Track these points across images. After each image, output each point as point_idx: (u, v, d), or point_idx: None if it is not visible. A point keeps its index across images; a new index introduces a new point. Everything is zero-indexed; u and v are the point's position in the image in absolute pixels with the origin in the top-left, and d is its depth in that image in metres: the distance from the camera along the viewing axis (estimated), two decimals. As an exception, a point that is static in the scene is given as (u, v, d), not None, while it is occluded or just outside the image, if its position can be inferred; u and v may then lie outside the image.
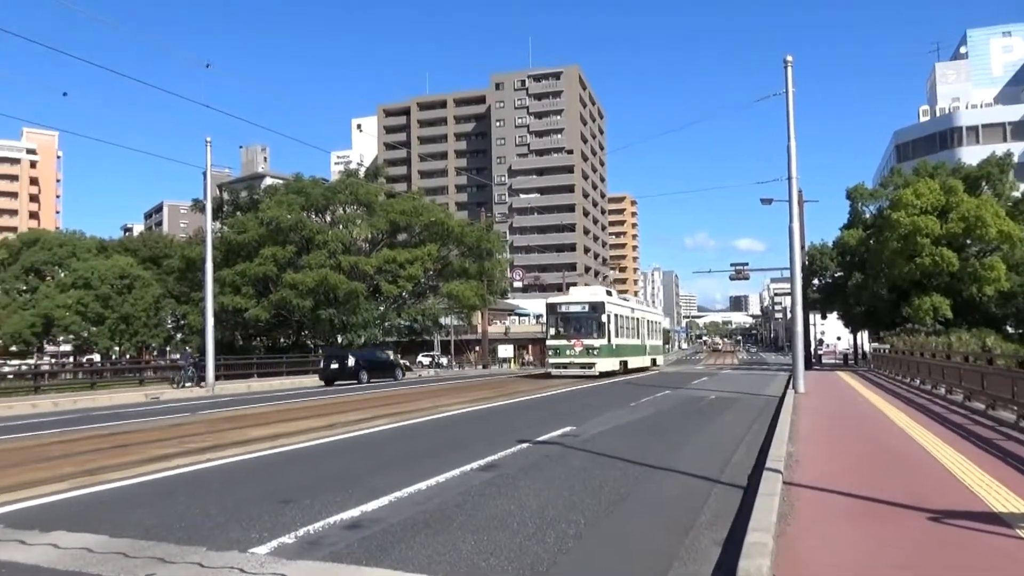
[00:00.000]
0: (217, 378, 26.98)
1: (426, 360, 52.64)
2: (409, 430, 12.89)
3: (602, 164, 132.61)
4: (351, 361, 30.03)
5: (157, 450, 10.45)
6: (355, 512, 6.35)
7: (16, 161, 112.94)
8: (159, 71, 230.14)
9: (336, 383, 29.31)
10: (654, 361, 40.28)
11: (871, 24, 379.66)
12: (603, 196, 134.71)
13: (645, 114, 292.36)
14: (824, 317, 56.87)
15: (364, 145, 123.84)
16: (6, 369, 38.01)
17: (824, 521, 5.57)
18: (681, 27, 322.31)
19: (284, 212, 39.10)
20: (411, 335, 46.31)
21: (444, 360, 53.80)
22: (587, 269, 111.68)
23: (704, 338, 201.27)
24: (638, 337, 35.69)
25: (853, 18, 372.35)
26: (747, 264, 48.87)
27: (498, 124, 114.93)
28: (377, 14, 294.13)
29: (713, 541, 5.46)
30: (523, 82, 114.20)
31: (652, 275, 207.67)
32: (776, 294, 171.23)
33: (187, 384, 27.58)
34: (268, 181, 67.38)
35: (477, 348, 55.26)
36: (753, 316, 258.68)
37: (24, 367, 40.08)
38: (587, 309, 29.68)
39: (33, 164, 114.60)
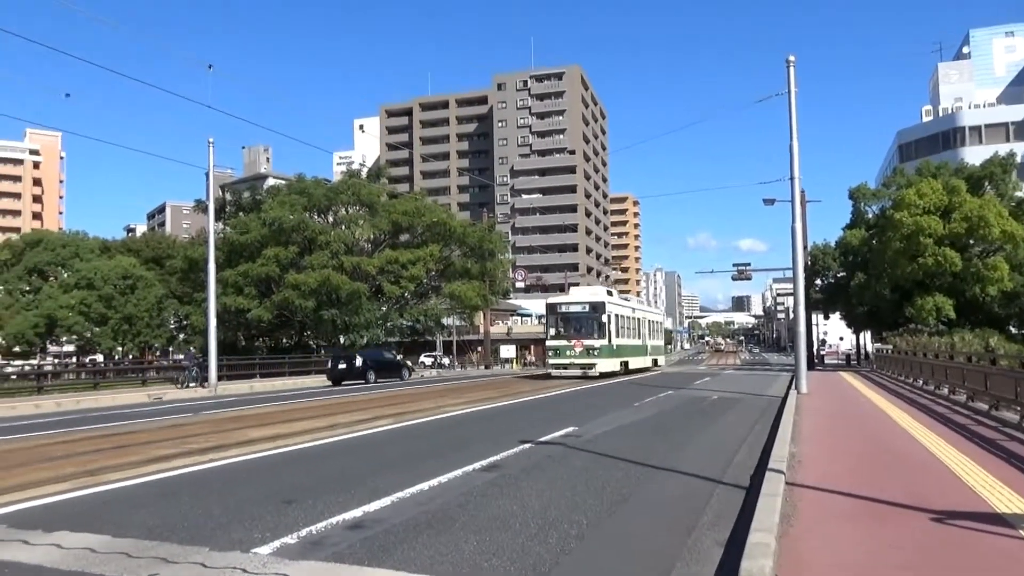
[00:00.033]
0: (219, 379, 27.02)
1: (428, 360, 52.70)
2: (411, 430, 12.90)
3: (604, 164, 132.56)
4: (359, 361, 30.24)
5: (160, 450, 10.47)
6: (357, 512, 6.35)
7: (19, 162, 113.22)
8: (161, 72, 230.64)
9: (344, 383, 29.51)
10: (655, 362, 40.12)
11: (873, 24, 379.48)
12: (605, 196, 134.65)
13: (647, 114, 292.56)
14: (827, 317, 56.77)
15: (366, 145, 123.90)
16: (9, 370, 38.12)
17: (827, 522, 5.56)
18: (683, 27, 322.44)
19: (286, 213, 39.14)
20: (413, 335, 46.33)
21: (446, 360, 53.84)
22: (589, 269, 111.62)
23: (706, 338, 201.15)
24: (639, 337, 35.50)
25: (856, 18, 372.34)
26: (749, 264, 48.78)
27: (500, 124, 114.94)
28: (379, 14, 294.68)
29: (715, 541, 5.46)
30: (525, 82, 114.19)
31: (654, 275, 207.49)
32: (778, 294, 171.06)
33: (191, 384, 27.60)
34: (271, 182, 67.47)
35: (479, 348, 55.27)
36: (755, 316, 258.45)
37: (27, 368, 40.17)
38: (587, 309, 29.47)
39: (36, 165, 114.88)
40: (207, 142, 27.56)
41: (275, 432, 12.47)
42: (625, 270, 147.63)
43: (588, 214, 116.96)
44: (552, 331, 30.11)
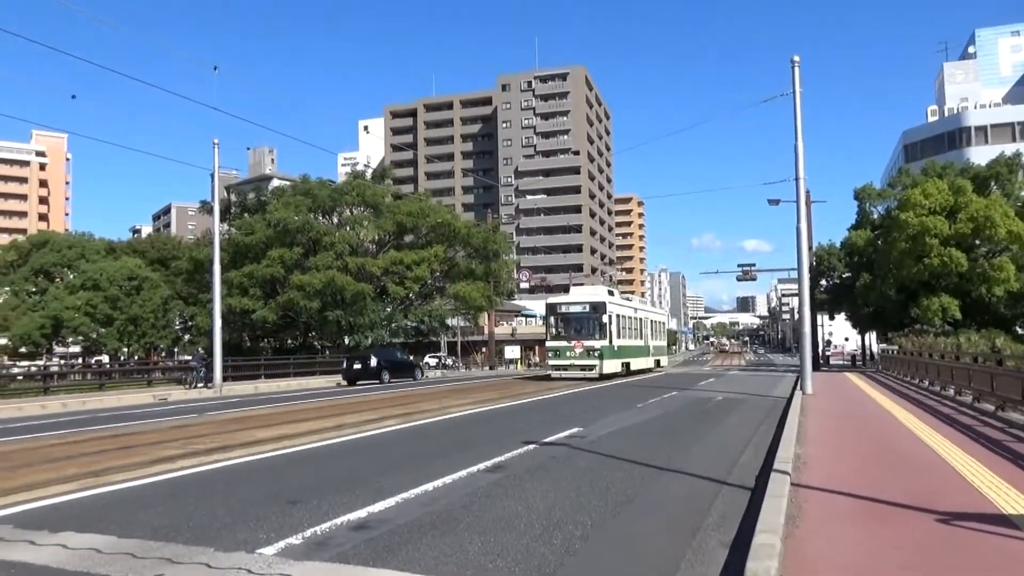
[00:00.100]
0: (225, 379, 27.10)
1: (433, 361, 52.69)
2: (416, 431, 12.90)
3: (608, 165, 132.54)
4: (373, 362, 30.73)
5: (165, 451, 10.50)
6: (362, 513, 6.36)
7: (26, 163, 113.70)
8: (166, 73, 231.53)
9: (358, 383, 30.03)
10: (658, 362, 39.82)
11: (879, 24, 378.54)
12: (610, 197, 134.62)
13: (651, 115, 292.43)
14: (832, 318, 56.62)
15: (371, 146, 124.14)
16: (16, 370, 38.29)
17: (832, 523, 5.55)
18: (687, 27, 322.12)
19: (291, 214, 39.21)
20: (418, 336, 46.35)
21: (450, 361, 53.85)
22: (594, 270, 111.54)
23: (711, 339, 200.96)
24: (641, 338, 35.09)
25: (861, 17, 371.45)
26: (754, 265, 48.75)
27: (504, 125, 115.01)
28: (383, 16, 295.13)
29: (720, 543, 5.45)
30: (529, 83, 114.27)
31: (659, 276, 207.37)
32: (783, 295, 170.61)
33: (199, 385, 27.70)
34: (275, 183, 67.67)
35: (484, 349, 55.28)
36: (760, 317, 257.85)
37: (33, 368, 40.34)
38: (588, 309, 29.08)
39: (42, 166, 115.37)
40: (212, 143, 27.76)
41: (280, 433, 12.50)
42: (630, 271, 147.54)
43: (592, 215, 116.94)
44: (552, 332, 29.80)
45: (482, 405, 17.84)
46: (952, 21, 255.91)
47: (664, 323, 45.67)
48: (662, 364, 41.52)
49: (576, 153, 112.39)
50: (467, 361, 55.27)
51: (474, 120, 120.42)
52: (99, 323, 45.74)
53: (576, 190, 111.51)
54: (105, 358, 49.89)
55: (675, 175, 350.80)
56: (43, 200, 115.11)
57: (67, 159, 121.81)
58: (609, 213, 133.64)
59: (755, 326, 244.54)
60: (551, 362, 29.63)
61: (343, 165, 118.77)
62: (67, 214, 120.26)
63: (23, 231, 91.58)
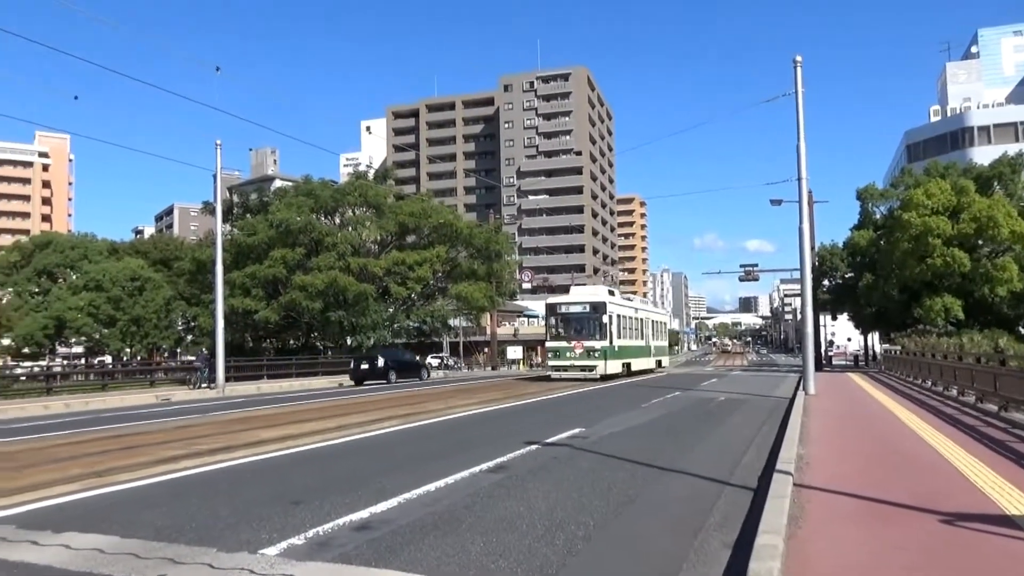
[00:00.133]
0: (227, 380, 27.11)
1: (435, 362, 52.70)
2: (418, 431, 12.91)
3: (611, 165, 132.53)
4: (380, 362, 31.06)
5: (168, 451, 10.51)
6: (364, 513, 6.36)
7: (29, 164, 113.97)
8: (168, 74, 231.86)
9: (365, 383, 30.29)
10: (659, 363, 39.57)
11: (881, 23, 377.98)
12: (612, 197, 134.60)
13: (653, 115, 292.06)
14: (834, 318, 56.56)
15: (373, 147, 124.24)
16: (19, 371, 38.38)
17: (835, 523, 5.54)
18: (689, 28, 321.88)
19: (293, 214, 39.27)
20: (420, 337, 46.38)
21: (452, 362, 53.87)
22: (596, 270, 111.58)
23: (713, 339, 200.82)
24: (642, 338, 34.81)
25: (862, 18, 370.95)
26: (757, 265, 48.74)
27: (507, 126, 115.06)
28: (385, 16, 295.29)
29: (723, 543, 5.45)
30: (531, 83, 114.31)
31: (661, 276, 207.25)
32: (786, 295, 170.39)
33: (203, 385, 27.75)
34: (277, 183, 67.78)
35: (486, 350, 55.28)
36: (763, 317, 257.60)
37: (36, 369, 40.46)
38: (588, 309, 28.78)
39: (45, 167, 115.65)
40: (214, 144, 27.69)
41: (283, 433, 12.51)
42: (632, 271, 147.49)
43: (595, 215, 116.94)
44: (552, 332, 29.54)
45: (485, 405, 17.85)
46: (954, 21, 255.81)
47: (666, 323, 45.54)
48: (664, 365, 41.33)
49: (578, 153, 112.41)
50: (469, 362, 55.29)
51: (476, 120, 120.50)
52: (102, 324, 45.85)
53: (578, 190, 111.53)
54: (108, 358, 50.02)
55: (677, 175, 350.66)
56: (46, 201, 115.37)
57: (70, 160, 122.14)
58: (611, 213, 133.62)
59: (757, 326, 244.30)
60: (551, 363, 29.42)
61: (345, 165, 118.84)
62: (70, 215, 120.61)
63: (26, 232, 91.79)
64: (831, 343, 76.42)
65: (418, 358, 37.07)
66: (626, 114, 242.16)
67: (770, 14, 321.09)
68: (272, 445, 11.03)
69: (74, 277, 50.74)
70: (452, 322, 47.30)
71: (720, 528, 5.90)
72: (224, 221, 35.34)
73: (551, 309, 30.14)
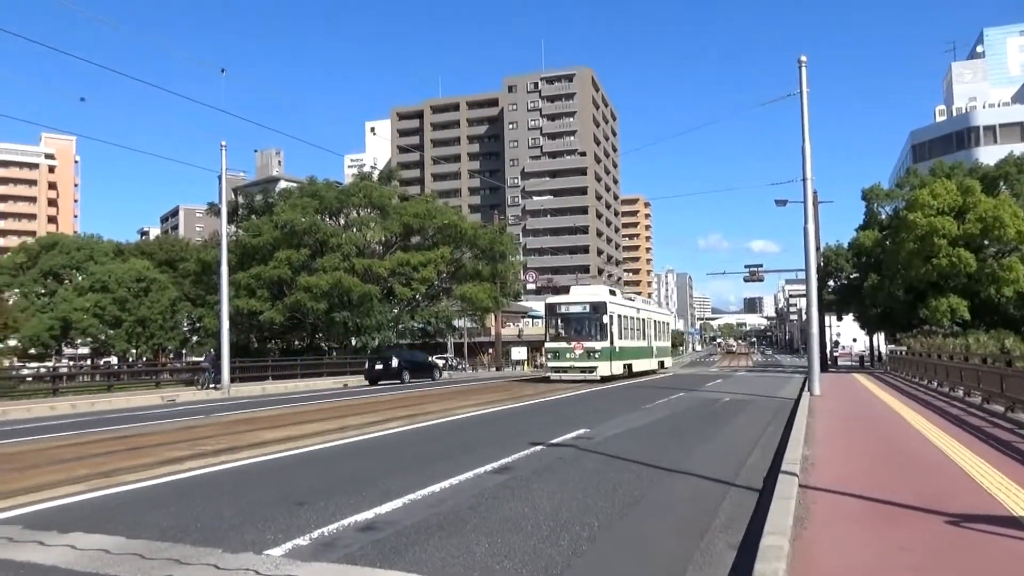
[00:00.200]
0: (232, 380, 27.16)
1: (439, 363, 52.72)
2: (423, 432, 12.91)
3: (615, 166, 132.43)
4: (395, 362, 31.63)
5: (173, 452, 10.53)
6: (369, 514, 6.37)
7: (35, 166, 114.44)
8: (171, 75, 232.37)
9: (380, 383, 30.85)
10: (662, 364, 39.09)
11: (886, 23, 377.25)
12: (616, 198, 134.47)
13: (658, 115, 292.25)
14: (840, 319, 56.44)
15: (377, 148, 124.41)
16: (25, 372, 38.50)
17: (840, 524, 5.53)
18: (692, 28, 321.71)
19: (298, 215, 39.34)
20: (424, 337, 46.44)
21: (456, 363, 53.89)
22: (600, 271, 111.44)
23: (718, 340, 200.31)
24: (644, 339, 34.34)
25: (866, 17, 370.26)
26: (761, 266, 48.44)
27: (511, 126, 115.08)
28: (389, 17, 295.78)
29: (728, 544, 5.44)
30: (536, 84, 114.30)
31: (666, 277, 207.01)
32: (791, 296, 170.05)
33: (210, 386, 27.81)
34: (282, 184, 67.90)
35: (490, 350, 55.30)
36: (768, 318, 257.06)
37: (43, 370, 40.55)
38: (588, 309, 28.35)
39: (51, 169, 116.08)
40: (220, 145, 27.73)
41: (287, 434, 12.53)
42: (636, 272, 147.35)
43: (599, 216, 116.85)
44: (551, 332, 29.14)
45: (490, 406, 17.85)
46: (958, 21, 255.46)
47: (669, 323, 45.29)
48: (666, 365, 40.98)
49: (583, 154, 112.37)
50: (474, 362, 55.30)
51: (480, 121, 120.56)
52: (107, 325, 45.92)
53: (583, 191, 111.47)
54: (113, 359, 50.11)
55: (681, 176, 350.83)
56: (52, 202, 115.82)
57: (76, 161, 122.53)
58: (616, 214, 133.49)
59: (762, 327, 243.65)
60: (550, 364, 29.06)
61: (350, 167, 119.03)
62: (76, 216, 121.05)
63: (32, 233, 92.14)
64: (836, 344, 76.15)
65: (431, 359, 37.42)
66: (628, 114, 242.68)
67: (772, 14, 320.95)
68: (277, 446, 11.05)
69: (80, 278, 50.84)
70: (456, 323, 47.34)
71: (725, 529, 5.89)
72: (229, 222, 35.46)
73: (550, 309, 29.76)
